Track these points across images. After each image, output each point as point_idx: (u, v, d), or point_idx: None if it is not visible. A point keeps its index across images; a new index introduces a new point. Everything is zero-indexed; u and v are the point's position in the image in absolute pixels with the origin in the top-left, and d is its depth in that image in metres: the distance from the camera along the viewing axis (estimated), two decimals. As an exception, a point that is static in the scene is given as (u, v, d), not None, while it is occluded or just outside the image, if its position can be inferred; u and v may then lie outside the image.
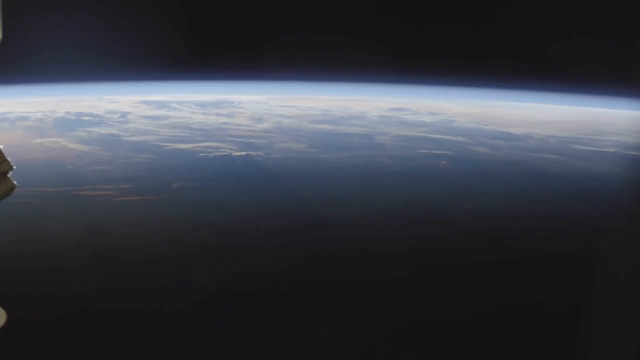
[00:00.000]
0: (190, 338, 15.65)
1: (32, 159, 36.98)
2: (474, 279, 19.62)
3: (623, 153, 33.97)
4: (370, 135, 42.40)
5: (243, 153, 37.29)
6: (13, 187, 3.88)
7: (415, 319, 16.94)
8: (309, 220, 25.19)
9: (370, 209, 26.50)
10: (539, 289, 18.78)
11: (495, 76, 59.03)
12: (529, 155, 34.58)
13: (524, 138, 39.65)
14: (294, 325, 16.54)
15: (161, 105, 53.67)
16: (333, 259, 21.47)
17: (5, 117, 46.28)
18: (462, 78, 61.36)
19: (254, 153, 37.43)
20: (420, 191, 28.64)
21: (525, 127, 42.66)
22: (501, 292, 18.56)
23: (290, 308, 17.62)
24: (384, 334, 16.04)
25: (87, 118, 46.94)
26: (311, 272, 20.51)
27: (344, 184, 30.75)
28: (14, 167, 3.75)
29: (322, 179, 31.94)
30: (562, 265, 20.32)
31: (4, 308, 4.59)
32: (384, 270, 20.46)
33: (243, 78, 60.11)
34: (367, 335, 16.00)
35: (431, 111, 51.09)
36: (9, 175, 3.77)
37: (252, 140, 41.42)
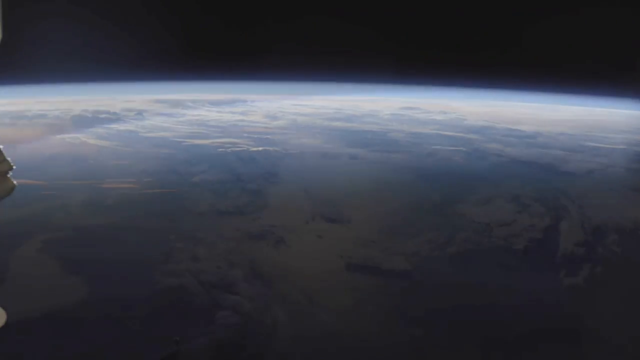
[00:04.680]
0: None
1: (54, 153, 37.84)
2: (487, 268, 20.33)
3: (630, 150, 34.48)
4: (384, 132, 43.10)
5: (260, 148, 38.00)
6: (13, 187, 3.73)
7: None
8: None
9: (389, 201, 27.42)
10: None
11: (503, 78, 60.00)
12: (540, 151, 35.15)
13: (535, 135, 40.19)
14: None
15: (175, 104, 54.55)
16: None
17: (23, 115, 47.17)
18: (470, 80, 62.43)
19: (271, 149, 38.11)
20: (436, 184, 29.32)
21: (536, 126, 43.23)
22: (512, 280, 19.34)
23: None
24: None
25: (104, 116, 47.88)
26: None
27: (360, 178, 31.61)
28: (14, 167, 3.64)
29: (339, 172, 32.80)
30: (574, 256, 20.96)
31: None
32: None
33: (253, 79, 61.22)
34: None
35: (442, 110, 51.81)
36: (9, 175, 3.63)
37: (268, 136, 42.30)
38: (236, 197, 28.35)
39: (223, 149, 38.16)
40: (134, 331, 16.00)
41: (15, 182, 3.73)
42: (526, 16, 51.17)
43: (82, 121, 46.35)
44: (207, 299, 18.16)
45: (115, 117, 47.85)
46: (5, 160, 3.57)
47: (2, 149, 3.53)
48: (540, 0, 50.81)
